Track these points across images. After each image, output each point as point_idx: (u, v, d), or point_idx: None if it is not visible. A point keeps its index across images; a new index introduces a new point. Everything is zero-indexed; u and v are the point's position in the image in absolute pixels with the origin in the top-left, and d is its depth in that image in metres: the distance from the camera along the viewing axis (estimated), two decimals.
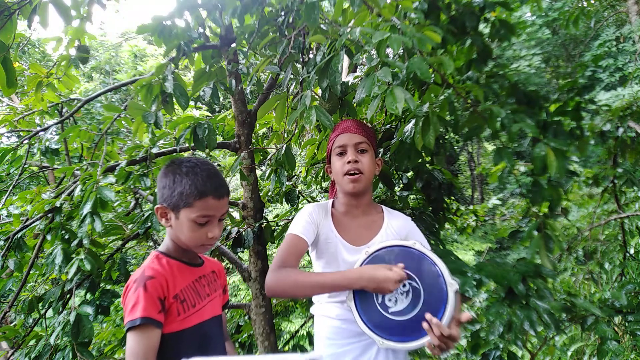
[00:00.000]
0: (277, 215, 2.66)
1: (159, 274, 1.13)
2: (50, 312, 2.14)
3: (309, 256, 1.57)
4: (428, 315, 1.17)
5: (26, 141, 2.55)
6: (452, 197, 2.28)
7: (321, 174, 2.49)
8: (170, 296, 1.13)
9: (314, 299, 1.52)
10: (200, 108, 3.96)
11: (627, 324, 1.77)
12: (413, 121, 1.73)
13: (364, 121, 1.92)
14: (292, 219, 2.41)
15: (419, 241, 1.31)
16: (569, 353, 3.88)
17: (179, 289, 1.16)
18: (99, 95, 2.58)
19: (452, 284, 1.21)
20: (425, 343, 1.18)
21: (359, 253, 1.39)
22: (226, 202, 1.21)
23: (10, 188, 2.49)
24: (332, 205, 1.53)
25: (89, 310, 1.85)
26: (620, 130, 2.45)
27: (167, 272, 1.15)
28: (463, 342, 2.14)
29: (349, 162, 1.43)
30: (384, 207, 1.55)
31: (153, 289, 1.09)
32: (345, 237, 1.44)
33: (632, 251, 3.87)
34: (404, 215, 1.54)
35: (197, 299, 1.21)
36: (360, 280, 1.23)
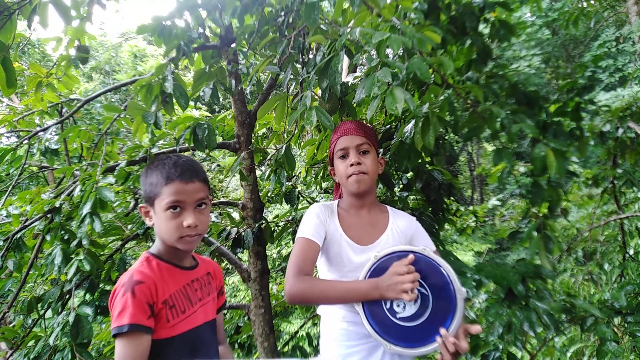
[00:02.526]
0: (276, 216, 2.66)
1: (148, 278, 1.10)
2: (49, 313, 2.13)
3: None
4: (443, 332, 1.17)
5: (26, 141, 2.54)
6: (452, 198, 2.27)
7: (321, 174, 2.49)
8: (160, 301, 1.10)
9: None
10: (200, 108, 3.95)
11: (626, 325, 1.77)
12: (413, 121, 1.72)
13: (364, 121, 1.93)
14: (291, 219, 2.42)
15: (426, 245, 1.30)
16: (569, 354, 3.87)
17: (168, 294, 1.13)
18: (99, 95, 2.58)
19: (460, 292, 1.21)
20: (433, 350, 1.18)
21: (364, 253, 1.39)
22: (198, 187, 1.16)
23: (10, 188, 2.48)
24: (338, 205, 1.54)
25: (88, 310, 1.84)
26: (620, 130, 2.45)
27: (156, 276, 1.12)
28: None
29: (352, 165, 1.43)
30: (388, 207, 1.55)
31: (142, 294, 1.06)
32: (350, 236, 1.44)
33: (631, 252, 3.86)
34: (409, 215, 1.54)
35: (188, 305, 1.17)
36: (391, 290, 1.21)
